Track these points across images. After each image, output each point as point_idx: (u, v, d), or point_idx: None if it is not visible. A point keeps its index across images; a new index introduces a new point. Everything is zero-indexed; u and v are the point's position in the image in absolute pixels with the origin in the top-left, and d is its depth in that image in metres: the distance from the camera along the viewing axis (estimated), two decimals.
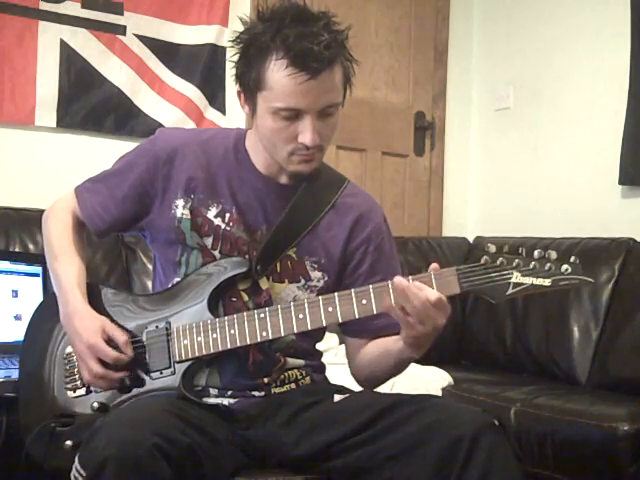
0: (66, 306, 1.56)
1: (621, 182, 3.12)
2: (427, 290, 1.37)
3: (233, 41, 1.51)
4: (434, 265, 1.41)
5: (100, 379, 1.51)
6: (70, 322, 1.55)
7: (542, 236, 3.11)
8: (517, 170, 3.65)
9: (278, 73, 1.42)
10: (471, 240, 3.49)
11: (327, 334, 1.73)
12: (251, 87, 1.47)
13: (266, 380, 1.57)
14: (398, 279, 1.39)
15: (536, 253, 1.35)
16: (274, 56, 1.42)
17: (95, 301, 1.59)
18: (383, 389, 1.66)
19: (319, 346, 1.71)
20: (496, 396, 2.49)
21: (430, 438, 1.35)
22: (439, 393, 2.56)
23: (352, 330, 1.64)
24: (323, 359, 1.72)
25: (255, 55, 1.45)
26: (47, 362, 1.62)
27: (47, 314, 1.66)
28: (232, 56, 1.52)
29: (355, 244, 1.62)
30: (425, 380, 2.57)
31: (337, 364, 2.28)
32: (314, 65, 1.41)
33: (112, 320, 1.56)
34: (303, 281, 1.59)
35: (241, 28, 1.52)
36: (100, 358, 1.50)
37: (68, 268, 1.61)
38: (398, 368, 1.59)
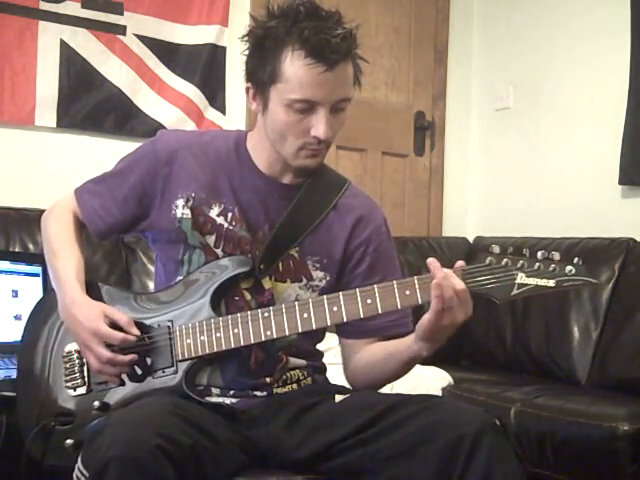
0: (64, 298, 1.56)
1: (621, 182, 3.12)
2: (454, 279, 1.36)
3: (245, 36, 1.51)
4: (445, 271, 1.39)
5: (108, 364, 1.50)
6: (70, 313, 1.54)
7: (542, 236, 3.11)
8: (517, 170, 3.65)
9: (295, 64, 1.43)
10: (471, 240, 3.49)
11: (327, 334, 1.73)
12: (264, 81, 1.48)
13: (268, 380, 1.57)
14: (432, 260, 1.37)
15: (540, 254, 1.36)
16: (291, 48, 1.43)
17: (96, 299, 1.58)
18: (383, 389, 1.66)
19: (319, 346, 1.71)
20: (496, 396, 2.49)
21: (431, 438, 1.35)
22: (439, 393, 2.56)
23: (348, 331, 1.63)
24: (324, 359, 1.72)
25: (270, 48, 1.46)
26: (45, 361, 1.62)
27: (44, 313, 1.66)
28: (243, 51, 1.52)
29: (355, 244, 1.62)
30: (425, 380, 2.57)
31: (337, 364, 2.28)
32: (332, 56, 1.42)
33: None
34: (305, 281, 1.59)
35: (243, 27, 1.53)
36: (106, 342, 1.50)
37: (67, 262, 1.61)
38: (399, 372, 1.57)
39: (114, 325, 1.51)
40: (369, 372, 1.61)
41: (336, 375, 1.76)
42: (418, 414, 1.39)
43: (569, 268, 1.34)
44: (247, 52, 1.52)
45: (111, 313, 1.52)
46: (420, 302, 1.40)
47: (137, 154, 1.65)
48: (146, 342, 1.53)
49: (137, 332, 1.51)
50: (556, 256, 1.35)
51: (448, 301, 1.35)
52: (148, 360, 1.53)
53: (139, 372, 1.52)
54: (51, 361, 1.61)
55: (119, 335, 1.50)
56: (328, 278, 1.61)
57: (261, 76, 1.48)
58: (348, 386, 1.66)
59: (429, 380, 2.60)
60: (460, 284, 1.36)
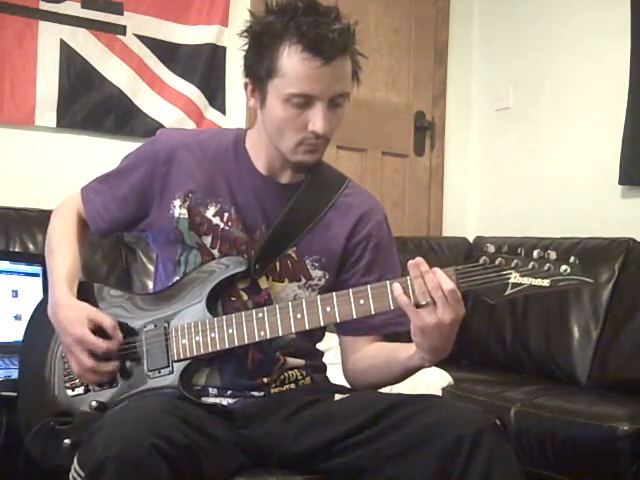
0: (52, 299, 1.56)
1: (621, 182, 3.12)
2: (442, 277, 1.34)
3: (244, 31, 1.52)
4: (434, 269, 1.40)
5: (90, 372, 1.51)
6: (55, 316, 1.54)
7: (542, 236, 3.11)
8: (517, 170, 3.65)
9: (292, 58, 1.43)
10: (471, 240, 3.49)
11: (327, 334, 1.73)
12: (262, 76, 1.48)
13: (265, 380, 1.56)
14: (418, 259, 1.36)
15: (535, 253, 1.34)
16: (288, 42, 1.44)
17: (92, 300, 1.59)
18: (382, 389, 1.65)
19: (319, 346, 1.71)
20: (496, 396, 2.48)
21: (431, 438, 1.34)
22: (439, 393, 2.56)
23: (344, 327, 1.62)
24: (324, 359, 1.72)
25: (268, 43, 1.46)
26: (46, 361, 1.62)
27: (45, 313, 1.66)
28: (242, 47, 1.52)
29: (355, 240, 1.63)
30: (425, 380, 2.57)
31: (338, 364, 2.28)
32: (329, 50, 1.42)
33: None
34: (304, 280, 1.59)
35: (243, 24, 1.53)
36: (89, 350, 1.50)
37: (60, 261, 1.61)
38: (399, 378, 1.57)
39: (99, 329, 1.51)
40: (369, 374, 1.61)
41: (337, 375, 1.76)
42: (418, 414, 1.39)
43: (564, 267, 1.33)
44: (245, 48, 1.52)
45: (95, 317, 1.52)
46: (413, 303, 1.37)
47: (138, 153, 1.66)
48: (136, 347, 1.53)
49: (121, 337, 1.51)
50: (552, 255, 1.33)
51: (427, 295, 1.33)
52: (142, 364, 1.53)
53: (122, 378, 1.52)
54: (52, 361, 1.62)
55: (102, 345, 1.49)
56: (327, 277, 1.61)
57: (259, 71, 1.49)
58: (348, 385, 1.66)
59: (429, 380, 2.60)
60: (448, 284, 1.33)
